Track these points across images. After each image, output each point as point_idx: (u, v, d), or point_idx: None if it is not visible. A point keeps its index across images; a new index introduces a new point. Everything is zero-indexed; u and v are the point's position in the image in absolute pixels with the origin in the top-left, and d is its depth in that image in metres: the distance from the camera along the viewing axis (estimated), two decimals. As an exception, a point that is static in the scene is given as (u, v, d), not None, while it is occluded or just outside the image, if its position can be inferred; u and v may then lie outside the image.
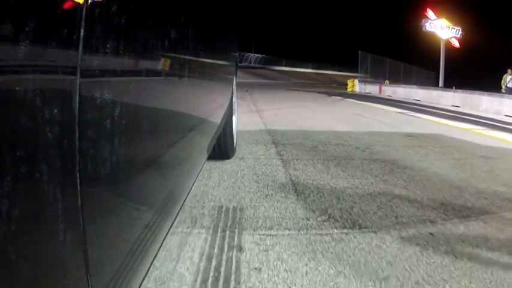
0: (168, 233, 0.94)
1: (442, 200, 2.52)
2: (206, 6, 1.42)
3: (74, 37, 0.42)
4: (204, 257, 1.58)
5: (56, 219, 0.40)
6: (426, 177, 3.08)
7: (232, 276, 1.44)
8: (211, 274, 1.45)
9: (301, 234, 1.85)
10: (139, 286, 0.69)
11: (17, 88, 0.34)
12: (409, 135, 5.34)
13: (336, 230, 1.92)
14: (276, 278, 1.45)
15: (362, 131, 5.58)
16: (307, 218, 2.07)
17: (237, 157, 3.40)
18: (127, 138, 0.61)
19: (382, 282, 1.47)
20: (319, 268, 1.53)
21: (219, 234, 1.81)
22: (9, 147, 0.33)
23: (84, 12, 0.43)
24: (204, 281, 1.40)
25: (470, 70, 28.80)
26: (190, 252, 1.62)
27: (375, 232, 1.93)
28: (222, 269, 1.50)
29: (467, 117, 9.09)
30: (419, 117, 8.23)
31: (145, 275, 0.74)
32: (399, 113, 9.18)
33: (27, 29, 0.34)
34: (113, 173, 0.56)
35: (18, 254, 0.35)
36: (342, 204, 2.33)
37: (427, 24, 23.32)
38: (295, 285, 1.40)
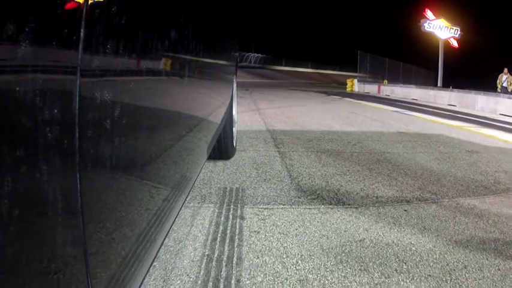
0: (165, 240, 1.02)
1: (420, 185, 2.84)
2: (206, 7, 1.44)
3: (74, 37, 0.42)
4: (213, 223, 1.94)
5: (56, 219, 0.40)
6: (409, 166, 3.41)
7: (236, 237, 1.80)
8: (219, 235, 1.81)
9: (293, 208, 2.21)
10: (140, 286, 0.71)
11: (17, 88, 0.34)
12: (400, 132, 5.66)
13: (322, 206, 2.27)
14: (271, 238, 1.80)
15: (355, 127, 5.91)
16: (298, 197, 2.42)
17: (239, 149, 3.74)
18: (127, 138, 0.62)
19: (358, 242, 1.80)
20: (307, 231, 1.88)
21: (224, 208, 2.17)
22: (9, 147, 0.33)
23: (84, 12, 0.43)
24: (214, 239, 1.76)
25: (470, 70, 29.00)
26: (202, 220, 1.97)
27: (356, 208, 2.27)
28: (228, 231, 1.85)
29: (461, 115, 9.32)
30: (413, 116, 8.49)
31: (146, 275, 0.76)
32: (394, 111, 9.43)
33: (27, 29, 0.34)
34: (112, 173, 0.57)
35: (19, 254, 0.35)
36: (330, 187, 2.67)
37: (425, 25, 23.47)
38: (286, 243, 1.75)
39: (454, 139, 5.27)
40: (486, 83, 15.15)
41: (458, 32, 23.96)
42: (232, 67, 3.18)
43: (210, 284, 1.40)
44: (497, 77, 14.33)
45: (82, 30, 0.43)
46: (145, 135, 0.73)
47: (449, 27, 23.76)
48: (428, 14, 23.66)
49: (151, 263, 0.83)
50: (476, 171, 3.43)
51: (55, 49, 0.39)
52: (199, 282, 1.41)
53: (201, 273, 1.46)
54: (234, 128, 3.37)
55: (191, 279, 1.42)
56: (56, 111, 0.39)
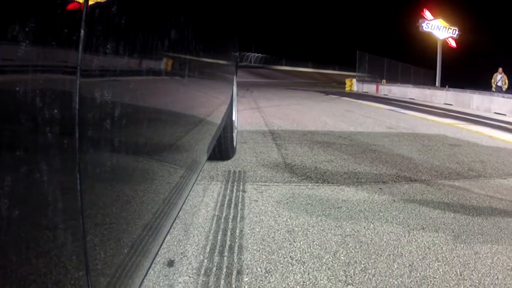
0: (162, 243, 0.99)
1: (397, 171, 3.27)
2: (206, 6, 1.46)
3: (74, 37, 0.42)
4: (221, 195, 2.41)
5: (56, 219, 0.41)
6: (391, 156, 3.84)
7: (239, 203, 2.27)
8: (226, 202, 2.28)
9: (285, 185, 2.68)
10: (140, 286, 0.72)
11: (17, 88, 0.34)
12: (390, 128, 6.08)
13: (310, 184, 2.74)
14: (267, 205, 2.27)
15: (348, 123, 6.36)
16: (291, 177, 2.89)
17: (240, 141, 4.19)
18: (127, 138, 0.62)
19: (336, 209, 2.26)
20: (296, 201, 2.35)
21: (229, 184, 2.64)
22: (9, 147, 0.34)
23: (84, 12, 0.44)
24: (222, 205, 2.23)
25: (468, 69, 29.35)
26: (212, 192, 2.44)
27: (338, 186, 2.73)
28: (233, 200, 2.33)
29: (454, 114, 9.62)
30: (407, 114, 8.85)
31: (145, 275, 0.77)
32: (389, 110, 9.78)
33: (27, 29, 0.34)
34: (113, 173, 0.57)
35: (19, 254, 0.36)
36: (318, 170, 3.14)
37: (424, 25, 23.78)
38: (279, 208, 2.22)
39: (440, 134, 5.57)
40: (484, 83, 15.38)
41: (456, 32, 24.23)
42: (233, 67, 3.24)
43: (220, 232, 1.86)
44: (492, 77, 14.71)
45: (82, 30, 0.43)
46: (144, 135, 0.73)
47: (447, 27, 24.01)
48: (427, 14, 23.95)
49: (167, 233, 0.92)
50: (453, 160, 3.77)
51: (55, 49, 0.40)
52: (212, 231, 1.87)
53: (213, 226, 1.93)
54: (234, 128, 3.35)
55: (205, 230, 1.89)
56: (56, 111, 0.39)
